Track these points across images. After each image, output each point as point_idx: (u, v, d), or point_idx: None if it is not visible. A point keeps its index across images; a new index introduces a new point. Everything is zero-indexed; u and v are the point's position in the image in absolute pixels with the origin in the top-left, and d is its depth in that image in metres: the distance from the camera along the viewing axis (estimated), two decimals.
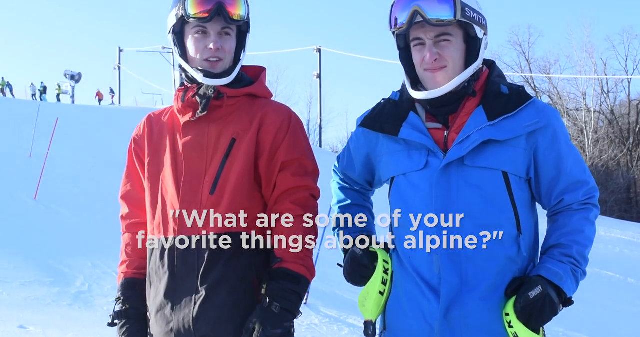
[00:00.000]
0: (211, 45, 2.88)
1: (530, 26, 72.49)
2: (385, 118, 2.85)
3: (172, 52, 3.00)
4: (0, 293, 9.01)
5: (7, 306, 8.47)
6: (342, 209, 3.07)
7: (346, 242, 2.95)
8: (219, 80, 2.90)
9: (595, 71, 50.71)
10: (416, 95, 2.73)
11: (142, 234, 3.06)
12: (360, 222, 2.99)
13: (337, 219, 3.04)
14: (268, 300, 2.73)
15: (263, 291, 2.77)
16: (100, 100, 55.27)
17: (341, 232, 3.00)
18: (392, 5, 2.72)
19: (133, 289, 3.03)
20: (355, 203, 3.09)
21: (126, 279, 3.06)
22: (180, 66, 2.99)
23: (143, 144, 3.07)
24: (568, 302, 2.62)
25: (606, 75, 50.72)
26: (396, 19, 2.71)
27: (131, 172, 3.13)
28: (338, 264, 2.95)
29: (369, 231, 2.97)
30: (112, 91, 57.30)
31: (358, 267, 2.85)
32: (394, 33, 2.77)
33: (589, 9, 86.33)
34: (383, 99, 2.93)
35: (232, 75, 2.93)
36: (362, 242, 2.89)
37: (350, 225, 3.00)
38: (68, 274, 10.31)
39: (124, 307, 3.01)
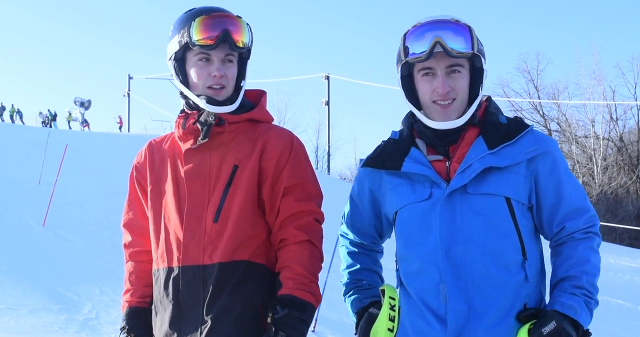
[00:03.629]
0: (215, 73, 2.88)
1: (538, 53, 72.61)
2: (387, 155, 2.87)
3: (172, 79, 3.00)
4: (8, 320, 8.99)
5: (14, 333, 8.44)
6: (352, 275, 3.08)
7: (357, 308, 2.99)
8: (224, 108, 2.90)
9: (604, 98, 50.71)
10: (431, 124, 2.75)
11: (146, 263, 3.06)
12: (370, 287, 3.03)
13: (347, 285, 3.08)
14: (274, 329, 2.71)
15: (269, 320, 2.74)
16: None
17: (353, 298, 3.04)
18: (406, 35, 2.74)
19: (137, 318, 3.03)
20: (364, 267, 3.09)
21: (130, 308, 3.06)
22: (181, 93, 2.99)
23: (145, 172, 3.07)
24: (585, 334, 2.62)
25: (614, 101, 50.72)
26: (408, 48, 2.72)
27: (133, 200, 3.13)
28: (355, 334, 2.98)
29: (379, 295, 2.96)
30: (84, 121, 56.58)
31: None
32: (400, 61, 2.78)
33: (598, 36, 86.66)
34: (383, 141, 2.96)
35: (236, 103, 2.93)
36: (375, 303, 2.94)
37: (360, 290, 3.03)
38: (76, 301, 10.29)
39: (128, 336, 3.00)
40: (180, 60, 2.94)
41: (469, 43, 2.68)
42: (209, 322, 2.80)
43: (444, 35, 2.66)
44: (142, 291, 3.06)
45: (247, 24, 2.94)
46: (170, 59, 2.96)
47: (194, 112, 2.94)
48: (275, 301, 2.77)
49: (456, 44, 2.67)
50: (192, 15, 2.90)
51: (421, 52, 2.68)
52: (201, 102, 2.89)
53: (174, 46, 2.93)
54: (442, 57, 2.69)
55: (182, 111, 3.02)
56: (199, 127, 2.89)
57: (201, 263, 2.85)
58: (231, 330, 2.79)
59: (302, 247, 2.85)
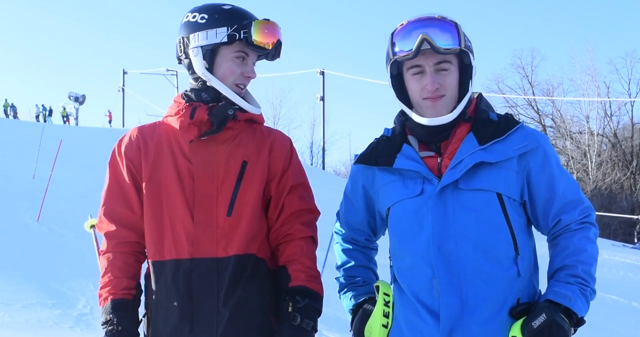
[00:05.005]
0: (251, 74, 3.00)
1: (533, 49, 72.61)
2: (379, 152, 2.90)
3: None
4: (2, 315, 8.97)
5: (8, 328, 8.42)
6: (346, 271, 3.11)
7: (352, 305, 3.02)
8: (258, 109, 3.05)
9: (598, 94, 50.81)
10: (421, 120, 2.77)
11: (130, 254, 3.00)
12: (364, 283, 3.06)
13: (342, 282, 3.11)
14: (299, 318, 2.80)
15: (290, 309, 2.82)
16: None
17: (348, 294, 3.06)
18: (393, 33, 2.77)
19: (125, 310, 2.92)
20: (358, 264, 3.12)
21: (115, 300, 2.92)
22: (203, 83, 2.98)
23: (138, 161, 3.01)
24: (580, 322, 2.63)
25: (609, 98, 50.81)
26: (395, 47, 2.75)
27: (116, 189, 3.03)
28: (350, 330, 3.00)
29: (374, 291, 2.98)
30: (66, 116, 56.25)
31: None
32: (389, 60, 2.80)
33: (592, 32, 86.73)
34: (376, 138, 2.99)
35: (259, 106, 3.08)
36: (369, 300, 2.97)
37: (355, 287, 3.06)
38: (70, 296, 10.26)
39: (115, 330, 2.88)
40: (210, 50, 2.94)
41: (456, 39, 2.70)
42: (227, 313, 2.84)
43: (431, 32, 2.68)
44: (126, 283, 2.96)
45: None
46: (204, 46, 2.93)
47: (201, 104, 2.96)
48: (293, 292, 2.86)
49: (443, 40, 2.69)
50: (244, 14, 2.95)
51: (409, 50, 2.70)
52: (236, 98, 2.97)
53: (217, 36, 2.91)
54: (430, 55, 2.71)
55: (189, 100, 3.01)
56: (213, 119, 2.92)
57: (215, 256, 2.88)
58: (248, 321, 2.86)
59: (307, 243, 2.97)
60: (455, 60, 2.77)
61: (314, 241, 3.02)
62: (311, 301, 2.85)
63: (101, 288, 2.97)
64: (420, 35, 2.68)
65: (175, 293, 2.89)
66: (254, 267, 2.91)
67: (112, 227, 3.00)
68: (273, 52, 3.02)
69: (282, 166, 3.02)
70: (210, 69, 2.95)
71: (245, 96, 3.08)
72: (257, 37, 2.92)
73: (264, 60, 3.09)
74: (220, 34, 2.91)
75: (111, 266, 2.98)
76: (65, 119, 54.98)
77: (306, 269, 2.91)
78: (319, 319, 2.91)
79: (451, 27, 2.71)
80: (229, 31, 2.90)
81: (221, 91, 2.95)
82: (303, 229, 2.97)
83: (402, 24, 2.77)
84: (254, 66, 3.03)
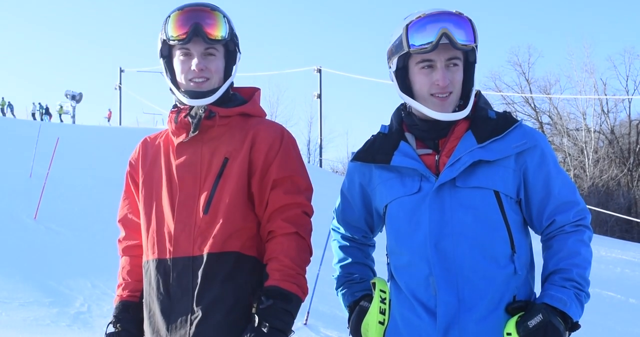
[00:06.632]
0: (194, 67, 2.91)
1: (530, 46, 72.62)
2: (376, 149, 2.89)
3: (165, 75, 3.04)
4: None
5: (5, 326, 8.42)
6: (344, 268, 3.11)
7: (349, 302, 3.01)
8: (204, 100, 2.93)
9: (596, 91, 50.82)
10: (435, 115, 2.75)
11: (139, 257, 3.08)
12: (361, 280, 3.05)
13: (339, 279, 3.10)
14: (257, 319, 2.72)
15: (253, 310, 2.76)
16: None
17: (345, 291, 3.06)
18: (409, 26, 2.72)
19: (127, 312, 3.05)
20: (356, 261, 3.11)
21: (121, 301, 3.09)
22: (170, 89, 3.03)
23: (137, 167, 3.11)
24: (575, 327, 2.63)
25: (606, 95, 50.82)
26: (410, 40, 2.70)
27: (128, 196, 3.17)
28: (348, 327, 3.00)
29: (371, 288, 2.98)
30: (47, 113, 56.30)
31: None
32: (400, 52, 2.75)
33: (590, 29, 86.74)
34: (372, 135, 2.97)
35: (217, 94, 2.95)
36: (366, 297, 2.96)
37: (352, 284, 3.06)
38: (67, 294, 10.26)
39: (115, 330, 3.03)
40: (167, 57, 2.99)
41: (471, 35, 2.70)
42: (200, 312, 2.81)
43: (450, 27, 2.66)
44: (133, 285, 3.09)
45: (224, 15, 2.95)
46: (159, 56, 3.02)
47: (186, 106, 2.97)
48: (261, 292, 2.78)
49: (461, 35, 2.68)
50: (170, 12, 2.94)
51: (426, 44, 2.67)
52: (184, 98, 2.94)
53: (159, 44, 2.99)
54: (444, 50, 2.69)
55: (175, 106, 3.04)
56: (190, 120, 2.92)
57: (191, 254, 2.86)
58: (222, 321, 2.80)
59: (289, 239, 2.85)
60: (462, 56, 2.76)
61: (299, 236, 2.87)
62: (278, 302, 2.73)
63: (116, 290, 3.15)
64: (441, 30, 2.65)
65: (157, 292, 2.92)
66: (235, 265, 2.85)
67: (123, 233, 3.17)
68: (190, 37, 2.87)
69: (264, 160, 2.92)
70: (174, 74, 2.99)
71: (239, 92, 3.09)
72: (171, 32, 2.91)
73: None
74: (158, 42, 2.99)
75: (122, 268, 3.15)
76: (49, 116, 54.75)
77: (283, 267, 2.79)
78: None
79: (467, 23, 2.71)
80: (160, 36, 2.96)
81: (174, 93, 3.00)
82: (285, 225, 2.85)
83: (419, 16, 2.73)
84: (212, 56, 2.94)
